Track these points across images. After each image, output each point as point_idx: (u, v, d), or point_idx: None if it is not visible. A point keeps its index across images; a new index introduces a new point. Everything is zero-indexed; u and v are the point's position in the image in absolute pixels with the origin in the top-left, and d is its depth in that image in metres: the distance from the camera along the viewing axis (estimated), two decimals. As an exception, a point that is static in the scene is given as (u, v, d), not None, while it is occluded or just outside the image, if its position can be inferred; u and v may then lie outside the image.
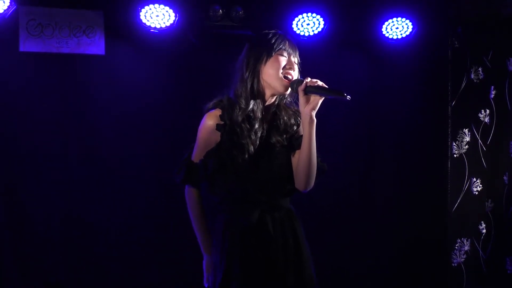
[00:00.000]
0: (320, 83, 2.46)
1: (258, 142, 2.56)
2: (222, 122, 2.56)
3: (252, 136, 2.55)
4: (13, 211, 4.22)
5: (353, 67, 4.79)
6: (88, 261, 4.32)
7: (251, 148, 2.53)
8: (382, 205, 4.84)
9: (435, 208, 4.84)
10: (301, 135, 2.57)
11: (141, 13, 4.16)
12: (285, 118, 2.64)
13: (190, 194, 2.69)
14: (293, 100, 2.65)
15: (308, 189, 2.62)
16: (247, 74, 2.55)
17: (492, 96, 4.76)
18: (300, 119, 2.56)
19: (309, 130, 2.50)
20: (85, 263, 4.32)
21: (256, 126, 2.56)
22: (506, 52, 4.69)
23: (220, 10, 4.30)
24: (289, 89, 2.55)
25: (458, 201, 4.78)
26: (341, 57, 4.74)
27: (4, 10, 3.98)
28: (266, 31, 2.62)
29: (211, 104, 2.63)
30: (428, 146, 4.85)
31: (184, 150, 2.72)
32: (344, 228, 4.75)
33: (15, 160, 4.24)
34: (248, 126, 2.55)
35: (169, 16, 4.19)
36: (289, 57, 2.56)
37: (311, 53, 4.56)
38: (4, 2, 3.96)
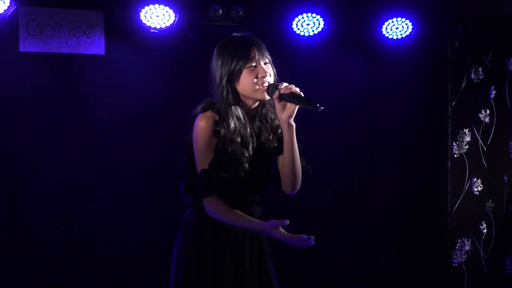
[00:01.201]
0: (294, 89, 2.38)
1: (251, 152, 2.50)
2: (218, 129, 2.45)
3: (245, 154, 2.46)
4: (13, 211, 4.22)
5: (353, 67, 4.79)
6: (88, 261, 4.32)
7: (246, 165, 2.46)
8: (382, 205, 4.84)
9: (435, 208, 4.84)
10: None
11: (141, 13, 4.16)
12: (272, 118, 2.57)
13: (215, 202, 2.48)
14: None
15: (295, 192, 2.60)
16: (221, 91, 2.46)
17: (492, 96, 4.75)
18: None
19: (289, 136, 2.45)
20: (85, 263, 4.32)
21: (250, 146, 2.48)
22: (506, 52, 4.68)
23: (220, 10, 4.29)
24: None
25: (459, 201, 4.78)
26: (341, 57, 4.74)
27: (4, 10, 3.98)
28: (229, 38, 2.55)
29: (199, 107, 2.52)
30: (428, 146, 4.84)
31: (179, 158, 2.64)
32: (344, 228, 4.75)
33: (15, 160, 4.24)
34: (241, 147, 2.45)
35: (169, 16, 4.19)
36: (258, 65, 2.45)
37: (311, 53, 4.56)
38: (4, 2, 3.95)
